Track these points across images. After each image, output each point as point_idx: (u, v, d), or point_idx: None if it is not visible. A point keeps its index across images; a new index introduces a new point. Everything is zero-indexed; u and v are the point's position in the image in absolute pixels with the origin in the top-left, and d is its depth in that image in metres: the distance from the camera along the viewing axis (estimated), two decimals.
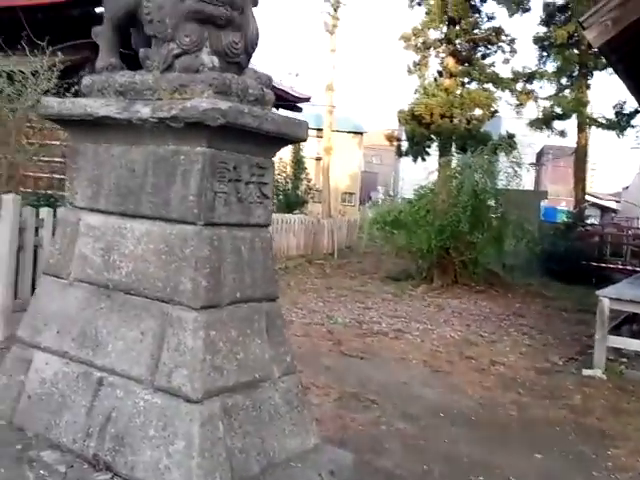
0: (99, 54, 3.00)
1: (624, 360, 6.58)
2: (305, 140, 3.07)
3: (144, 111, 2.59)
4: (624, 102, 18.80)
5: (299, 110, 19.38)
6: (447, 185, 12.51)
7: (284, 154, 22.80)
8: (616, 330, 7.05)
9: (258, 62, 10.98)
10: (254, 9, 2.80)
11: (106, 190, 2.83)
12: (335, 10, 24.71)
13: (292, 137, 2.93)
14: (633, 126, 19.55)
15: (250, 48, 2.76)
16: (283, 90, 16.56)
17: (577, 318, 9.37)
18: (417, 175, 16.03)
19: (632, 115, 18.66)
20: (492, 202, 12.28)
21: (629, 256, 16.31)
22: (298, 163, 26.43)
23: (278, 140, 2.90)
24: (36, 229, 5.69)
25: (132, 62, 2.93)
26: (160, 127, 2.58)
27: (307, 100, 18.63)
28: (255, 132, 2.65)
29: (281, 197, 21.56)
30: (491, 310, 9.90)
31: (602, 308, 6.47)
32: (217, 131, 2.50)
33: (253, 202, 2.82)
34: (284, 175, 23.65)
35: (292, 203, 21.80)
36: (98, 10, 4.77)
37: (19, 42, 7.23)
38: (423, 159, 20.63)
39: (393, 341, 7.35)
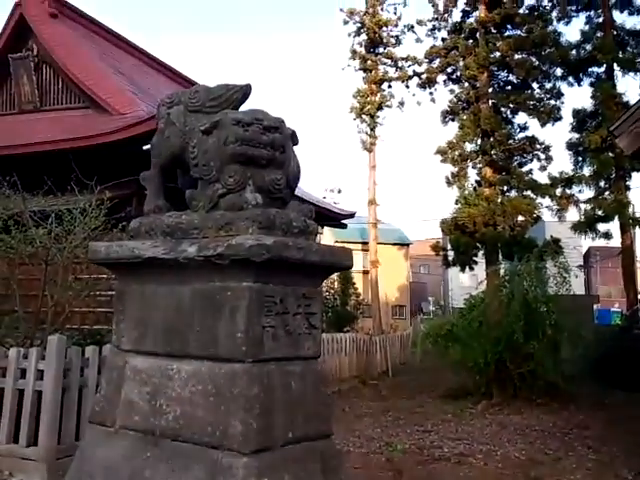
0: (147, 197, 3.09)
1: None
2: (351, 267, 3.03)
3: (190, 250, 2.61)
4: None
5: (344, 227, 19.77)
6: (497, 295, 12.23)
7: None
8: None
9: (301, 182, 11.37)
10: (294, 147, 2.88)
11: (152, 331, 2.80)
12: (372, 129, 25.75)
13: (338, 266, 2.89)
14: None
15: (292, 183, 2.81)
16: (326, 208, 17.01)
17: None
18: (466, 282, 15.85)
19: None
20: (544, 309, 11.87)
21: None
22: (346, 278, 26.47)
23: (324, 269, 2.87)
24: (81, 369, 5.59)
25: (177, 200, 3.00)
26: (206, 265, 2.58)
27: (351, 216, 19.02)
28: (300, 263, 2.63)
29: (330, 314, 21.37)
30: (554, 424, 9.27)
31: None
32: (263, 265, 2.48)
33: (301, 333, 2.75)
34: (332, 292, 23.61)
35: (342, 320, 21.55)
36: (144, 147, 5.02)
37: (68, 183, 7.51)
38: (471, 268, 20.43)
39: (456, 467, 6.86)
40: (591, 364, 13.20)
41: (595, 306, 22.00)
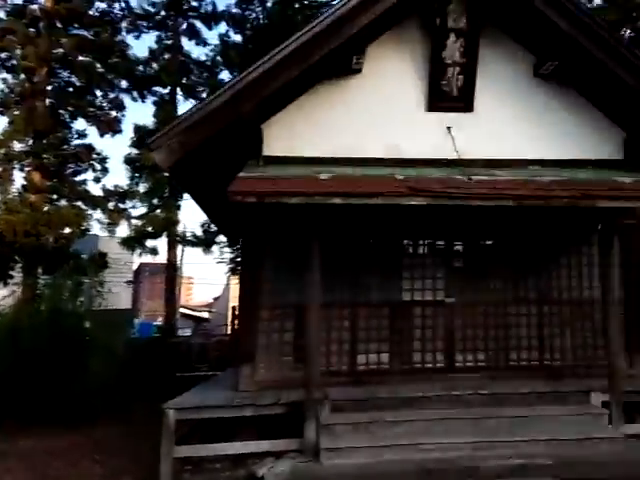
0: None
1: (189, 467, 6.45)
2: None
3: None
4: (210, 222, 20.47)
5: None
6: (27, 308, 11.20)
7: None
8: (193, 437, 6.93)
9: None
10: None
11: None
12: None
13: None
14: (217, 243, 21.46)
15: None
16: None
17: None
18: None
19: (216, 233, 20.42)
20: (77, 323, 11.40)
21: (214, 362, 17.10)
22: None
23: None
24: None
25: None
26: None
27: None
28: None
29: None
30: (71, 443, 8.83)
31: (168, 420, 6.33)
32: None
33: None
34: None
35: None
36: None
37: None
38: (5, 283, 18.31)
39: None
40: (121, 376, 13.26)
41: (137, 320, 22.65)
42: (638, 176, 7.17)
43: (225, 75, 21.87)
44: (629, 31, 16.28)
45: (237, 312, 10.58)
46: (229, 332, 19.68)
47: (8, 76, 19.16)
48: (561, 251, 7.94)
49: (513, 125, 7.80)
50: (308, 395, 6.29)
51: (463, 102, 7.70)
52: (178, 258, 22.99)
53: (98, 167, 20.29)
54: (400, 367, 7.51)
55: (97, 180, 20.31)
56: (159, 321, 30.98)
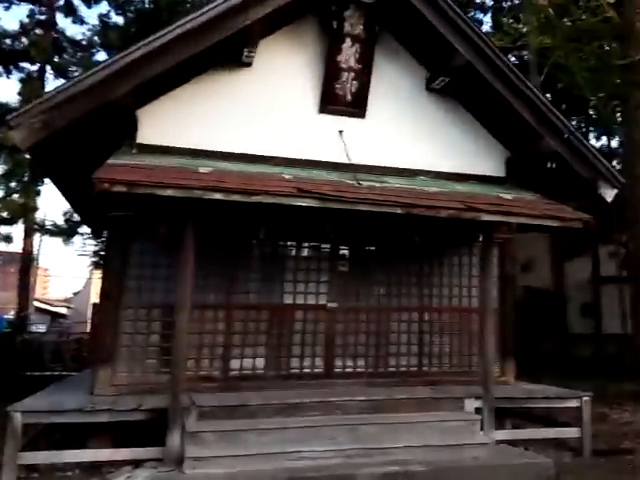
0: None
1: (35, 475, 5.87)
2: None
3: None
4: (73, 211, 19.16)
5: None
6: None
7: None
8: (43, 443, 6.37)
9: None
10: None
11: None
12: None
13: None
14: (80, 234, 20.16)
15: None
16: None
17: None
18: None
19: (79, 224, 19.17)
20: None
21: (71, 361, 16.00)
22: None
23: None
24: None
25: None
26: None
27: None
28: None
29: None
30: None
31: (13, 423, 5.73)
32: None
33: None
34: None
35: None
36: None
37: None
38: None
39: None
40: None
41: None
42: (518, 193, 7.58)
43: (102, 56, 20.68)
44: (514, 58, 17.48)
45: (98, 309, 9.84)
46: (89, 330, 18.52)
47: None
48: (443, 260, 8.17)
49: (405, 135, 7.93)
50: (173, 401, 5.92)
51: (357, 108, 7.69)
52: (35, 248, 21.37)
53: None
54: (277, 373, 7.28)
55: None
56: (11, 315, 28.56)
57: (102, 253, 18.57)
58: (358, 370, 7.61)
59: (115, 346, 6.80)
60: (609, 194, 7.88)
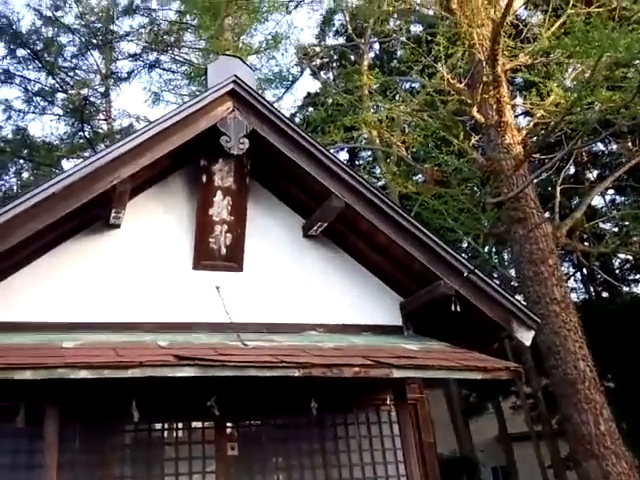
0: None
1: None
2: None
3: None
4: None
5: None
6: None
7: None
8: None
9: None
10: None
11: None
12: None
13: None
14: None
15: None
16: None
17: None
18: None
19: None
20: None
21: None
22: None
23: None
24: None
25: None
26: None
27: None
28: None
29: None
30: None
31: None
32: None
33: None
34: None
35: None
36: None
37: None
38: None
39: None
40: None
41: None
42: (422, 343, 6.92)
43: None
44: None
45: None
46: None
47: None
48: (349, 431, 7.11)
49: (286, 287, 7.50)
50: None
51: (233, 261, 7.35)
52: None
53: None
54: None
55: None
56: None
57: None
58: None
59: None
60: (526, 337, 7.16)
